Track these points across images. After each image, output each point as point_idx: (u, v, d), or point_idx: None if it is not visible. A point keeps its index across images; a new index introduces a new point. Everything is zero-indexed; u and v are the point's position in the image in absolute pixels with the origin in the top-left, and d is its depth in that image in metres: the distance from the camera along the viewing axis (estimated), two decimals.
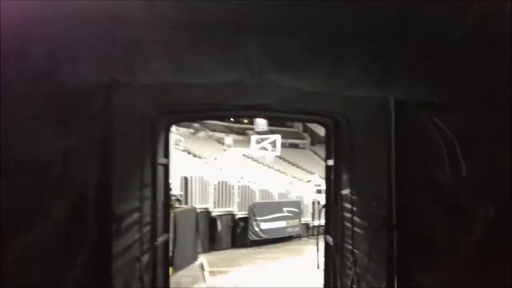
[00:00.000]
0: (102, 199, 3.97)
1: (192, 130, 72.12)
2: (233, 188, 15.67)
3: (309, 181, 37.50)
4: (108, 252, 4.03)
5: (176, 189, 12.84)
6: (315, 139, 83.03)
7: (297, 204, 17.78)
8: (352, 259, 5.50)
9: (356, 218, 5.49)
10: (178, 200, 13.14)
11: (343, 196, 6.11)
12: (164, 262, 6.83)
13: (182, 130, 72.18)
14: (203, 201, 14.43)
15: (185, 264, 12.07)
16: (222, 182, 15.60)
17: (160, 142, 6.69)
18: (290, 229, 17.17)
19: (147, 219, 5.85)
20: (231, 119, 75.70)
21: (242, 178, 18.58)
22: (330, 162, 6.76)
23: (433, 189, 3.41)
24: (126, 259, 4.71)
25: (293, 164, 69.93)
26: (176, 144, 12.74)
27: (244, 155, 35.19)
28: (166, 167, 7.00)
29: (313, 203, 19.10)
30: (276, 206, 16.79)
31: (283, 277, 11.11)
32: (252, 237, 15.54)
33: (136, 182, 5.37)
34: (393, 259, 4.07)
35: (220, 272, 11.54)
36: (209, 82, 3.51)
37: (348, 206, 5.79)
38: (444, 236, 3.26)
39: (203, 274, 11.39)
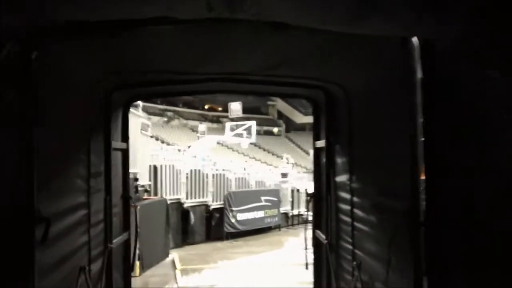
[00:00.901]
0: (18, 195, 2.83)
1: (165, 119, 70.84)
2: (207, 177, 14.53)
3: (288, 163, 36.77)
4: (28, 266, 2.88)
5: (144, 179, 11.64)
6: (290, 126, 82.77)
7: (275, 192, 16.75)
8: (353, 262, 4.45)
9: (357, 211, 4.44)
10: (146, 191, 11.95)
11: (339, 184, 5.06)
12: (124, 265, 5.70)
13: (155, 118, 70.77)
14: (175, 191, 13.25)
15: (154, 261, 10.93)
16: (195, 170, 14.45)
17: (116, 123, 5.51)
18: (268, 220, 16.15)
19: (99, 216, 4.70)
20: (205, 107, 74.87)
21: (216, 166, 17.44)
22: (320, 144, 5.69)
23: (486, 171, 2.38)
24: (63, 271, 3.57)
25: (268, 152, 69.48)
26: (143, 130, 11.48)
27: (218, 142, 34.06)
28: (125, 153, 5.84)
29: (292, 191, 18.13)
30: (254, 195, 15.74)
31: (263, 275, 10.08)
32: (228, 229, 14.46)
33: (81, 171, 4.21)
34: (420, 265, 3.03)
35: (194, 270, 10.44)
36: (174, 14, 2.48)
37: (346, 196, 4.74)
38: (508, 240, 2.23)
39: (175, 273, 10.27)
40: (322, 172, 5.72)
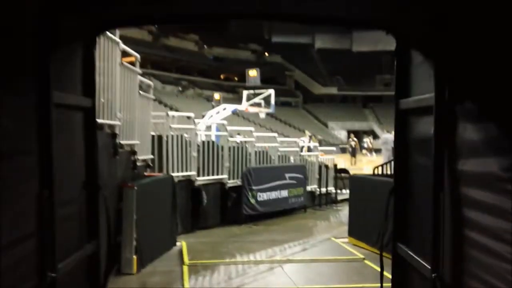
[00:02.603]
0: None
1: (179, 88, 68.84)
2: (222, 150, 12.31)
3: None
4: None
5: (145, 152, 9.46)
6: (308, 98, 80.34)
7: (301, 169, 14.49)
8: None
9: None
10: (148, 166, 9.77)
11: (467, 174, 2.78)
12: None
13: (169, 87, 69.18)
14: (184, 167, 11.07)
15: (157, 253, 8.82)
16: (209, 142, 12.24)
17: (69, 66, 3.26)
18: (293, 200, 13.96)
19: (25, 228, 2.53)
20: (221, 77, 72.79)
21: (233, 137, 15.17)
22: (416, 102, 3.38)
23: None
24: None
25: (285, 123, 67.44)
26: (144, 91, 9.22)
27: (234, 113, 31.83)
28: (89, 114, 3.60)
29: (320, 166, 15.86)
30: (277, 172, 13.52)
31: (296, 277, 7.90)
32: (247, 211, 12.30)
33: None
34: None
35: (205, 267, 8.28)
36: None
37: (492, 199, 2.49)
38: None
39: (182, 270, 8.13)
40: (416, 151, 3.44)
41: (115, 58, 7.16)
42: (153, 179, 9.28)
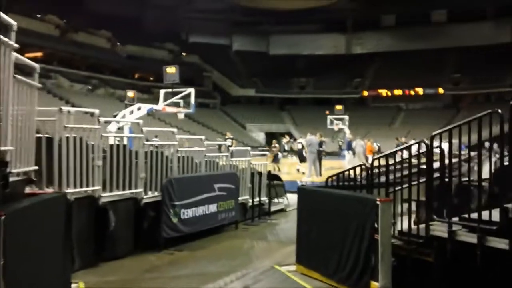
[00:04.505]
0: None
1: (89, 87, 64.06)
2: (137, 156, 9.69)
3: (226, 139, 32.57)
4: None
5: (25, 162, 6.68)
6: (226, 99, 78.67)
7: (233, 177, 12.16)
8: None
9: None
10: (30, 181, 6.98)
11: None
12: None
13: (78, 86, 64.19)
14: (85, 180, 8.34)
15: None
16: (118, 146, 9.57)
17: None
18: (223, 215, 11.59)
19: None
20: (135, 76, 69.06)
21: (149, 140, 12.49)
22: None
23: None
24: None
25: (203, 125, 65.41)
26: (23, 74, 6.41)
27: (149, 113, 28.86)
28: None
29: (252, 174, 13.64)
30: (204, 182, 11.10)
31: None
32: (167, 233, 9.76)
33: None
34: None
35: None
36: None
37: None
38: None
39: None
40: None
41: None
42: (35, 200, 6.49)
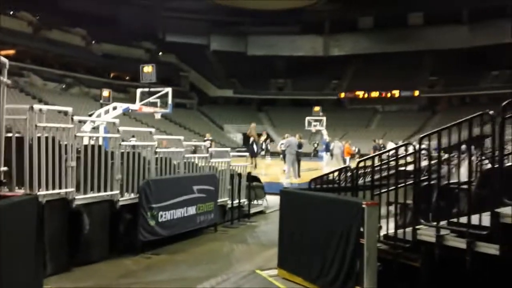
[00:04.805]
0: None
1: (63, 86, 62.79)
2: (113, 157, 9.33)
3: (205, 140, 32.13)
4: None
5: None
6: (203, 100, 78.12)
7: (212, 179, 11.85)
8: None
9: None
10: None
11: None
12: None
13: (52, 85, 62.74)
14: (57, 181, 7.96)
15: None
16: (93, 147, 9.18)
17: None
18: (202, 217, 11.28)
19: None
20: (110, 75, 68.00)
21: (125, 140, 12.09)
22: None
23: None
24: None
25: (180, 125, 64.86)
26: None
27: (125, 113, 28.34)
28: None
29: (232, 175, 13.36)
30: (183, 184, 10.78)
31: None
32: (144, 236, 9.42)
33: None
34: None
35: None
36: None
37: None
38: None
39: None
40: None
41: None
42: (4, 203, 6.12)
